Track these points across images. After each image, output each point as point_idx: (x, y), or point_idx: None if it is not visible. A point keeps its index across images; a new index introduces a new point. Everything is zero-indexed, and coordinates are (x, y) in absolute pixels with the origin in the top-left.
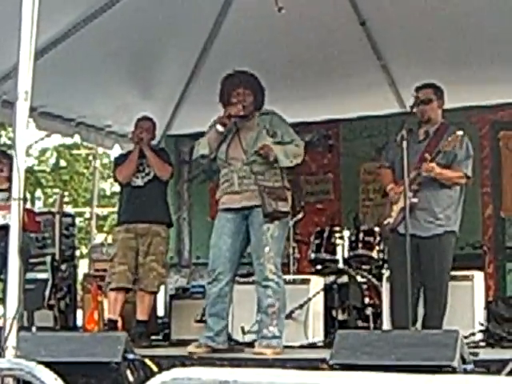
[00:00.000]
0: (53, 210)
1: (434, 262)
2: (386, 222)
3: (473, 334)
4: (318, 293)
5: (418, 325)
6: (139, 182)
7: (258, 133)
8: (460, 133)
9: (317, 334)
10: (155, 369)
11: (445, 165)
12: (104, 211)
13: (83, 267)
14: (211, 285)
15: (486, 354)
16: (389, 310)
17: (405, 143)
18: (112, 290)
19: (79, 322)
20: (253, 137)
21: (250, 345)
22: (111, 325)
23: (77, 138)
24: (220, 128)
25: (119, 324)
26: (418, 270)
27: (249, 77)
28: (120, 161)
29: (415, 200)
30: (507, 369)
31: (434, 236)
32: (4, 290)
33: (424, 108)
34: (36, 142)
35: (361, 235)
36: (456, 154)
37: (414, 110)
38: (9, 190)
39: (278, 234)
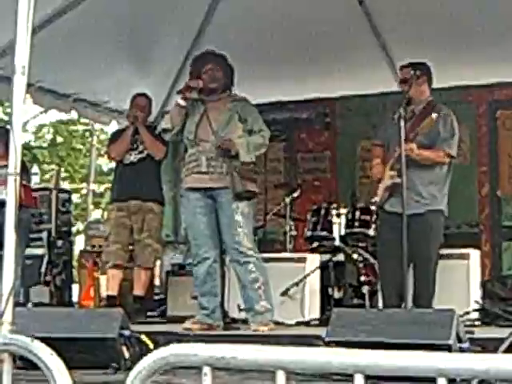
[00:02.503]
0: (49, 185)
1: (420, 240)
2: (373, 201)
3: (468, 313)
4: (314, 271)
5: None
6: (132, 158)
7: (230, 117)
8: (434, 116)
9: (313, 311)
10: (151, 345)
11: (429, 144)
12: (101, 188)
13: (79, 243)
14: (198, 266)
15: (481, 332)
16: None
17: (402, 121)
18: (110, 268)
19: (75, 298)
20: (225, 119)
21: (247, 321)
22: (111, 301)
23: (74, 114)
24: (181, 102)
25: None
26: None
27: (219, 56)
28: (115, 137)
29: (398, 180)
30: (503, 346)
31: (419, 214)
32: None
33: (403, 87)
34: (34, 117)
35: (357, 213)
36: (439, 133)
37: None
38: (6, 165)
39: (248, 211)
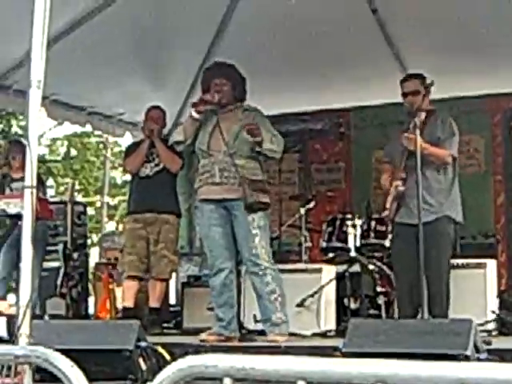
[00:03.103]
0: (64, 198)
1: (431, 248)
2: (384, 215)
3: (485, 323)
4: (330, 281)
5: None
6: (148, 171)
7: (241, 127)
8: (417, 120)
9: (329, 322)
10: (168, 357)
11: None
12: (115, 200)
13: (94, 256)
14: (215, 277)
15: (498, 342)
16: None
17: (418, 131)
18: (125, 278)
19: (91, 311)
20: (236, 131)
21: (262, 333)
22: (126, 313)
23: (88, 127)
24: (195, 114)
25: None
26: (417, 258)
27: (227, 67)
28: (131, 150)
29: (402, 188)
30: None
31: (427, 223)
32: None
33: (413, 99)
34: (50, 129)
35: (373, 224)
36: (439, 136)
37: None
38: (23, 179)
39: (264, 223)
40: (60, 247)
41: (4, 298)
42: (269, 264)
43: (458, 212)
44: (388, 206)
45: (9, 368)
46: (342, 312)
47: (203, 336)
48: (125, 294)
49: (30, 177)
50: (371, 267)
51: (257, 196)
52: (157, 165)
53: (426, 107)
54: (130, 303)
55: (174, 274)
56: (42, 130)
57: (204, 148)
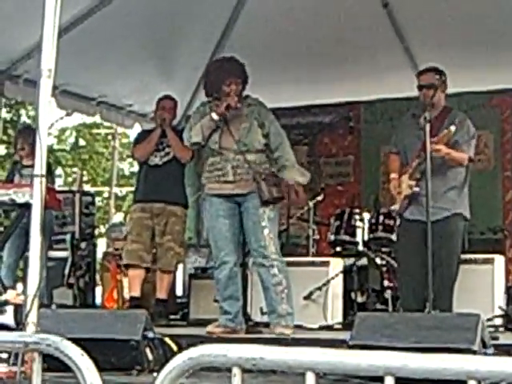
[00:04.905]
0: (73, 188)
1: (441, 245)
2: (392, 208)
3: (493, 318)
4: (337, 275)
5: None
6: (157, 161)
7: (251, 124)
8: (453, 128)
9: (335, 315)
10: (175, 348)
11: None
12: (122, 191)
13: (102, 247)
14: (220, 269)
15: (505, 338)
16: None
17: (428, 126)
18: (125, 266)
19: (98, 301)
20: (246, 127)
21: (269, 325)
22: (134, 302)
23: (97, 118)
24: (215, 116)
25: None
26: (426, 254)
27: (238, 65)
28: (141, 138)
29: (417, 189)
30: None
31: (440, 220)
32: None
33: (427, 92)
34: (56, 120)
35: (381, 218)
36: (456, 139)
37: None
38: (33, 166)
39: (274, 215)
40: (68, 237)
41: (13, 288)
42: (276, 256)
43: (467, 208)
44: (398, 201)
45: (16, 357)
46: (348, 306)
47: (210, 328)
48: (131, 283)
49: (40, 166)
50: (379, 261)
51: (272, 191)
52: (167, 154)
53: (439, 102)
54: (136, 293)
55: (180, 266)
56: (51, 120)
57: (215, 147)
